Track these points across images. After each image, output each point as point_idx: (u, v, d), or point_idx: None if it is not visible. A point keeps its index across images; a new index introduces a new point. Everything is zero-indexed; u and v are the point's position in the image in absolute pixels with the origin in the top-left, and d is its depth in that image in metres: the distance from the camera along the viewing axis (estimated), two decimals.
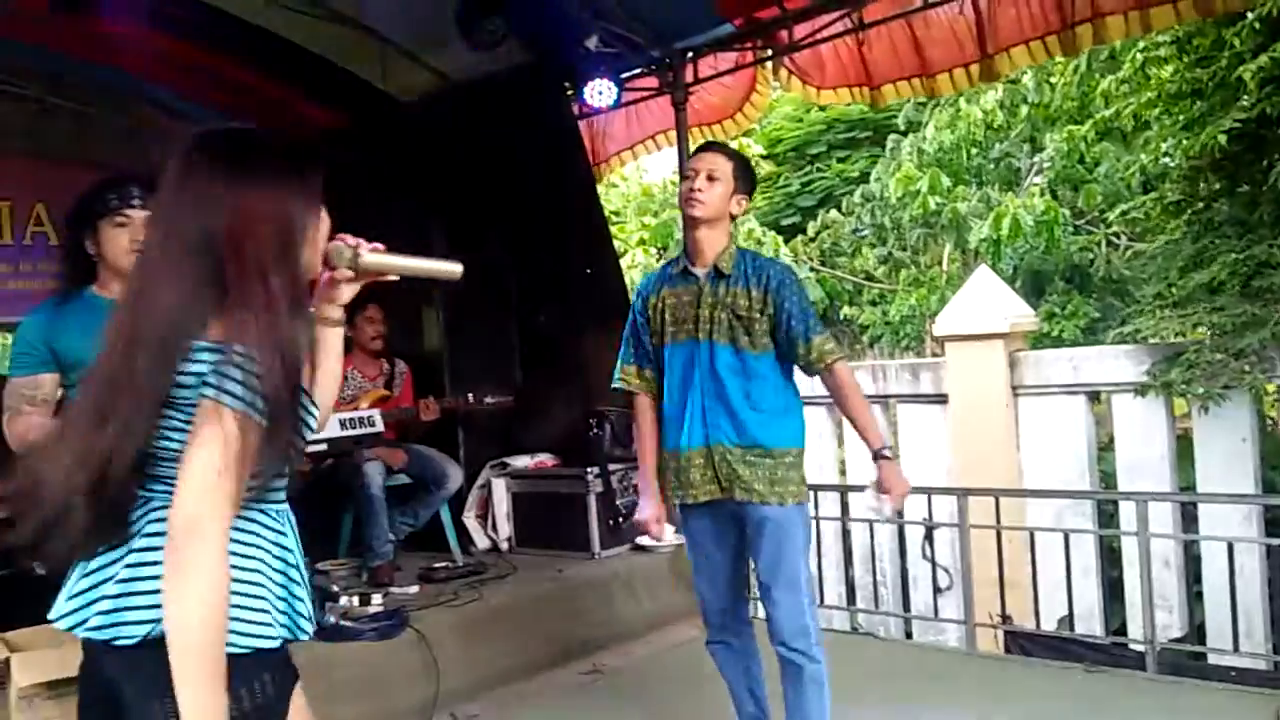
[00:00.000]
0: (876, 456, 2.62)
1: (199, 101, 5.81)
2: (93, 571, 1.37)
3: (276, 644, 1.39)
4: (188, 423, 1.32)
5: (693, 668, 3.74)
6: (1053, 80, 8.29)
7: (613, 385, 2.83)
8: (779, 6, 4.61)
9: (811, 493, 5.62)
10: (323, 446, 3.96)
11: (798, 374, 2.71)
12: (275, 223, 1.37)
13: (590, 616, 4.18)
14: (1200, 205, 5.98)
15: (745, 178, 2.67)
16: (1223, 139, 5.40)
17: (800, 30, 4.70)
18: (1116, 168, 8.26)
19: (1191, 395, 5.00)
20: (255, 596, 1.38)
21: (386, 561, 4.17)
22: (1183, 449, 5.42)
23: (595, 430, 4.74)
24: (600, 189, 6.28)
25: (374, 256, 1.56)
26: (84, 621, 1.36)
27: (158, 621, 1.30)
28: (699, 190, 2.58)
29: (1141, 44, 6.53)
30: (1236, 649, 4.14)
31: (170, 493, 1.31)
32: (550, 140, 5.03)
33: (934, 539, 5.68)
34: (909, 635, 6.00)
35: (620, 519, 4.61)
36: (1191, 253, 5.74)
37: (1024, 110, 8.67)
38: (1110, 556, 5.47)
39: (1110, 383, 5.54)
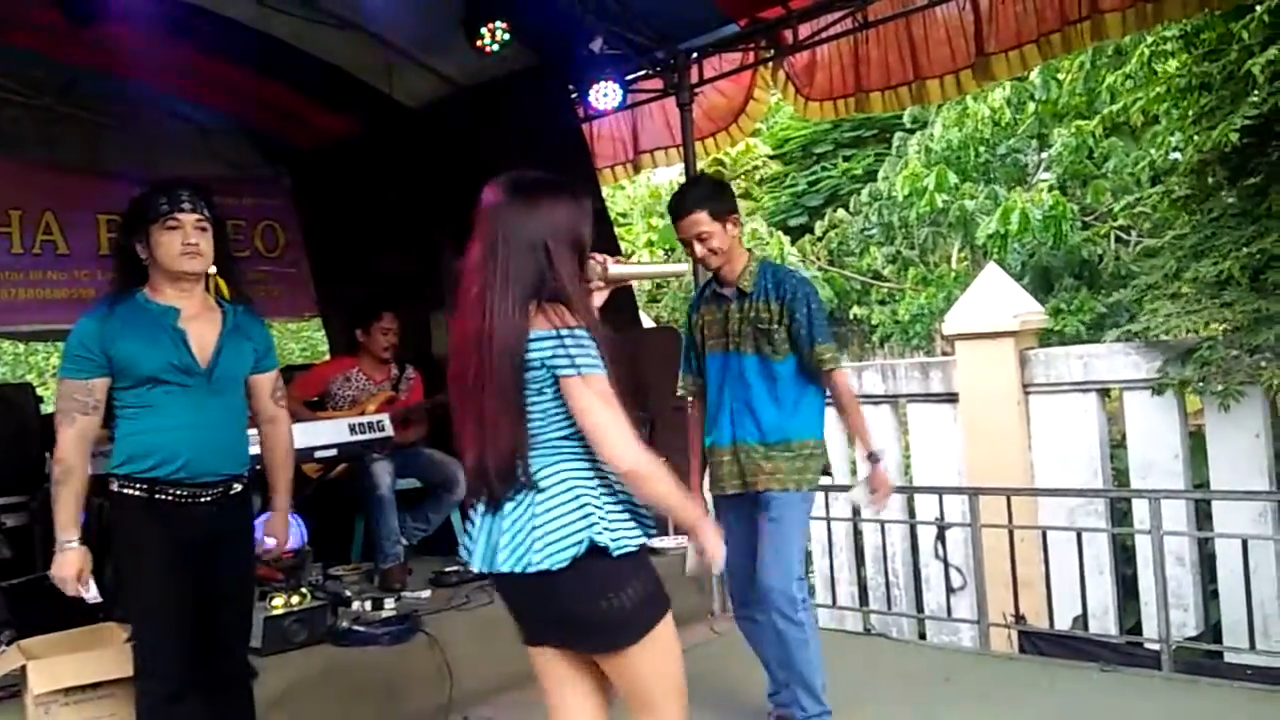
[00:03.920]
0: (870, 458, 3.00)
1: (212, 110, 5.85)
2: (508, 526, 1.83)
3: (647, 538, 1.89)
4: (538, 395, 1.80)
5: (706, 670, 3.72)
6: (1060, 76, 8.26)
7: (678, 393, 3.19)
8: (783, 6, 4.61)
9: (822, 494, 5.64)
10: (333, 453, 3.96)
11: None
12: (573, 239, 1.86)
13: None
14: (1208, 198, 5.94)
15: (718, 203, 2.89)
16: (1234, 136, 5.37)
17: (803, 31, 4.70)
18: (1125, 163, 8.22)
19: (1209, 393, 4.97)
20: (623, 510, 1.87)
21: (397, 563, 4.18)
22: (1195, 446, 5.39)
23: None
24: (606, 191, 6.29)
25: (618, 268, 1.98)
26: (523, 559, 1.80)
27: (579, 543, 1.79)
28: (705, 256, 2.90)
29: (1149, 38, 6.50)
30: (1253, 647, 4.11)
31: (543, 450, 1.82)
32: (555, 143, 5.03)
33: (946, 539, 5.67)
34: (922, 636, 5.98)
35: None
36: (1196, 243, 5.70)
37: (1031, 107, 8.65)
38: (1124, 555, 5.44)
39: (1122, 380, 5.51)
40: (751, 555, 2.96)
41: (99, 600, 2.40)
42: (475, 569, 1.91)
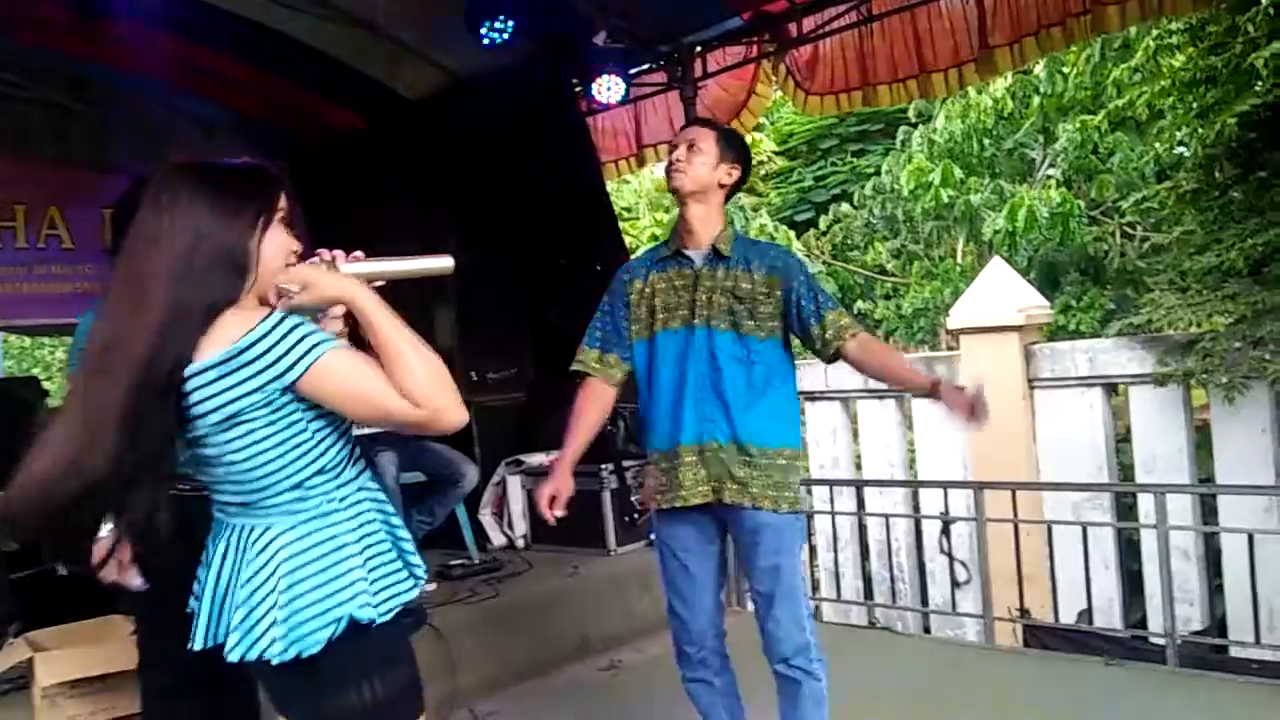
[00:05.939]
0: (934, 391, 2.35)
1: (215, 105, 5.86)
2: (245, 594, 1.44)
3: (414, 592, 1.54)
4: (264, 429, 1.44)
5: None
6: (1065, 70, 8.23)
7: (570, 369, 2.63)
8: None
9: (827, 488, 5.64)
10: None
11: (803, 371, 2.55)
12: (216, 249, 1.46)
13: (607, 612, 4.18)
14: (1215, 194, 5.92)
15: (731, 147, 2.49)
16: (1234, 123, 5.35)
17: (807, 25, 4.70)
18: (1130, 157, 8.20)
19: (1214, 385, 4.95)
20: (387, 555, 1.51)
21: None
22: (1201, 440, 5.38)
23: (610, 427, 4.73)
24: (611, 185, 6.28)
25: (351, 266, 1.55)
26: (256, 646, 1.42)
27: (335, 622, 1.41)
28: (680, 160, 2.43)
29: (1154, 32, 6.48)
30: (1258, 641, 4.10)
31: (282, 501, 1.45)
32: (559, 136, 5.03)
33: (951, 533, 5.65)
34: (927, 630, 5.97)
35: (635, 515, 4.61)
36: (1202, 238, 5.69)
37: (1036, 100, 8.63)
38: (1129, 549, 5.43)
39: (1128, 374, 5.49)
40: (709, 589, 2.49)
41: (146, 588, 2.35)
42: (195, 643, 1.49)
